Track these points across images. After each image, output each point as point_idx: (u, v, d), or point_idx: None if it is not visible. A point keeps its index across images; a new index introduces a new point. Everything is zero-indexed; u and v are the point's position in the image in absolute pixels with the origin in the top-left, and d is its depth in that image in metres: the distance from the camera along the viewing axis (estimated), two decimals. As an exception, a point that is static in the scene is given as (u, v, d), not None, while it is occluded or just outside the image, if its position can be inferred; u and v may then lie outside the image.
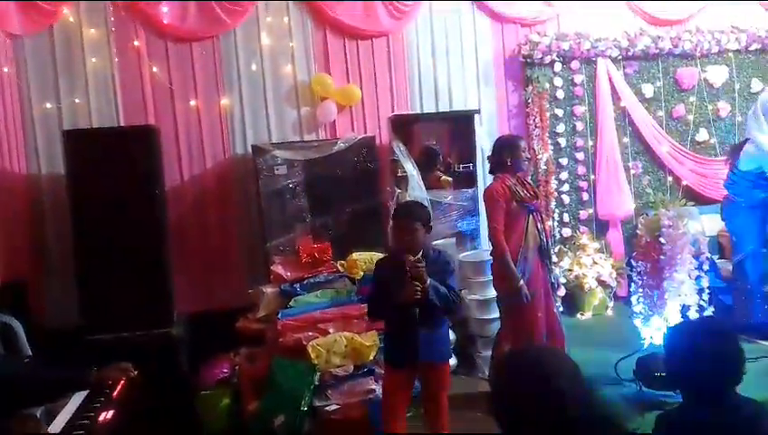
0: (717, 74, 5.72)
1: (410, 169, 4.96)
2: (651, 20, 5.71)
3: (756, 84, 5.74)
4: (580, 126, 5.58)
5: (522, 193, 3.88)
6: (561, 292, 5.23)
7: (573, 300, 5.28)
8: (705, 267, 4.30)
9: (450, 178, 5.26)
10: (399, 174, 4.97)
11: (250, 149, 5.01)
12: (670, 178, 5.70)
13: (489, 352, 4.59)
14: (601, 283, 5.26)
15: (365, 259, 4.44)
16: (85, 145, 4.32)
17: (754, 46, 5.72)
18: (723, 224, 4.80)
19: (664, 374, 3.16)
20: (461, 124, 5.23)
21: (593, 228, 5.60)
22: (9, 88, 4.72)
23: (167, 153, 4.91)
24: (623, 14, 5.67)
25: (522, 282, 3.78)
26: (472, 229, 5.08)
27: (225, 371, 4.32)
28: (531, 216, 3.89)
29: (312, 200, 4.93)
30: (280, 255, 4.75)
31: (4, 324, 3.24)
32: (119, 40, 4.99)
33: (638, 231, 4.48)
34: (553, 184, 5.50)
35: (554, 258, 5.24)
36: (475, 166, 5.14)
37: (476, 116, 5.24)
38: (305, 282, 4.44)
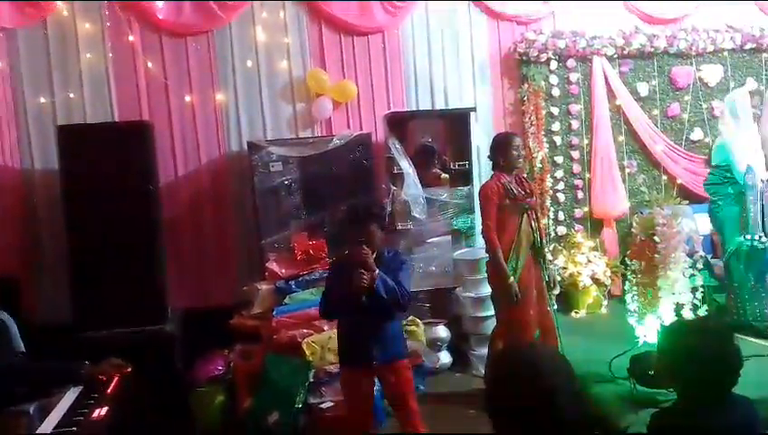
0: (712, 73, 5.74)
1: (406, 166, 4.96)
2: (646, 18, 5.72)
3: (751, 83, 5.76)
4: (575, 124, 5.59)
5: (515, 191, 3.89)
6: (557, 290, 5.25)
7: (568, 298, 5.29)
8: (699, 266, 4.32)
9: (447, 176, 5.26)
10: (395, 171, 4.97)
11: (245, 146, 4.99)
12: (665, 177, 5.72)
13: (483, 350, 4.61)
14: (596, 281, 5.27)
15: (360, 256, 4.43)
16: (79, 141, 4.30)
17: (749, 45, 5.74)
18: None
19: (657, 372, 3.17)
20: (457, 122, 5.23)
21: (588, 227, 5.61)
22: (2, 82, 4.70)
23: (161, 149, 4.88)
24: (619, 12, 5.68)
25: (511, 279, 3.81)
26: (467, 227, 5.09)
27: (220, 368, 4.32)
28: (525, 214, 3.89)
29: (307, 197, 4.93)
30: (275, 252, 4.74)
31: (-4, 320, 3.22)
32: (113, 35, 4.96)
33: (632, 229, 4.50)
34: (548, 182, 5.51)
35: (549, 256, 5.27)
36: (470, 164, 5.14)
37: (472, 114, 5.24)
38: (300, 279, 4.44)
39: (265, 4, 5.17)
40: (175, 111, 5.08)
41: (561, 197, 5.59)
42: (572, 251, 5.37)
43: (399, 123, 5.18)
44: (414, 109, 5.41)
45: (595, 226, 5.62)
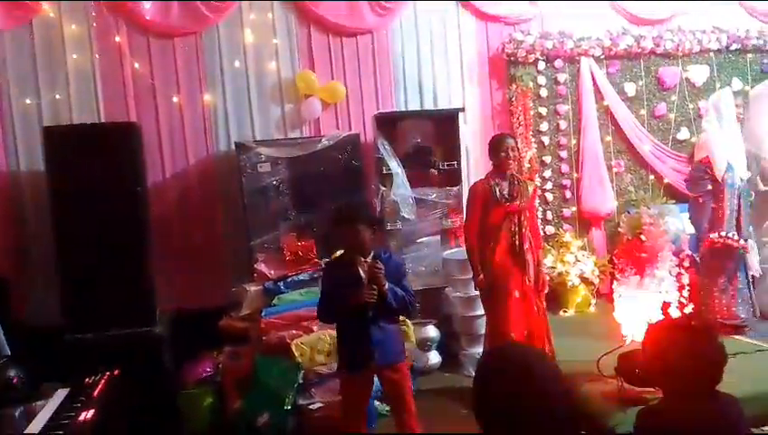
0: (699, 74, 5.79)
1: (395, 166, 4.97)
2: (633, 19, 5.76)
3: (737, 83, 5.82)
4: (563, 124, 5.62)
5: (499, 194, 3.91)
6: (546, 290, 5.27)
7: (556, 297, 5.31)
8: (686, 264, 4.35)
9: (434, 175, 5.26)
10: (384, 172, 4.98)
11: (233, 147, 4.97)
12: (652, 177, 5.76)
13: (473, 350, 4.63)
14: (584, 280, 5.30)
15: (349, 257, 4.43)
16: (66, 142, 4.26)
17: (735, 46, 5.80)
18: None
19: (644, 371, 3.19)
20: (445, 122, 5.24)
21: (576, 226, 5.64)
22: (-12, 83, 4.65)
23: (148, 150, 4.85)
24: (606, 13, 5.72)
25: (480, 277, 3.93)
26: (456, 227, 5.10)
27: (209, 369, 4.30)
28: (508, 217, 3.91)
29: (296, 198, 4.92)
30: (264, 252, 4.73)
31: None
32: (100, 35, 4.92)
33: (620, 229, 4.53)
34: (537, 182, 5.53)
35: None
36: (459, 164, 5.15)
37: (461, 114, 5.25)
38: (289, 280, 4.43)
39: (253, 4, 5.16)
40: (162, 111, 5.04)
41: (550, 196, 5.62)
42: (561, 250, 5.40)
43: (388, 124, 5.18)
44: (403, 109, 5.41)
45: (583, 225, 5.65)
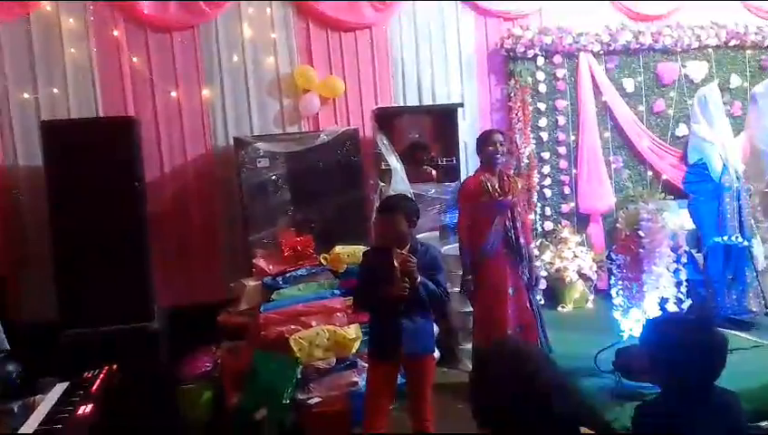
0: (697, 70, 5.79)
1: (394, 162, 4.96)
2: (632, 15, 5.75)
3: (735, 80, 5.83)
4: (562, 120, 5.62)
5: (491, 190, 3.91)
6: (542, 286, 5.28)
7: (554, 293, 5.32)
8: (684, 260, 4.36)
9: (432, 171, 5.27)
10: (383, 167, 4.97)
11: (232, 142, 4.97)
12: (650, 173, 5.77)
13: (470, 345, 4.62)
14: (582, 276, 5.31)
15: (348, 253, 4.44)
16: (63, 136, 4.25)
17: (733, 42, 5.80)
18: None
19: (642, 366, 3.20)
20: (444, 118, 5.24)
21: (574, 222, 5.65)
22: (-15, 77, 4.64)
23: (146, 145, 4.84)
24: (605, 9, 5.71)
25: (469, 276, 3.92)
26: (455, 223, 5.08)
27: (207, 364, 4.30)
28: (500, 213, 3.91)
29: (294, 193, 4.91)
30: (262, 248, 4.72)
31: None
32: (98, 29, 4.91)
33: (617, 225, 4.53)
34: (535, 178, 5.54)
35: (536, 253, 5.29)
36: (458, 159, 5.16)
37: (459, 110, 5.25)
38: (288, 275, 4.42)
39: (252, -1, 5.15)
40: (160, 106, 5.04)
41: (548, 192, 5.62)
42: (559, 246, 5.41)
43: (387, 119, 5.17)
44: (401, 104, 5.41)
45: (581, 221, 5.66)
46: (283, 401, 3.75)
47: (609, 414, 3.31)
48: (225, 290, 4.63)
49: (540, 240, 5.46)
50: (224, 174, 5.08)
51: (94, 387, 2.52)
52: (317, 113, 5.27)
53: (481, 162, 4.06)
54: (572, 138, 5.64)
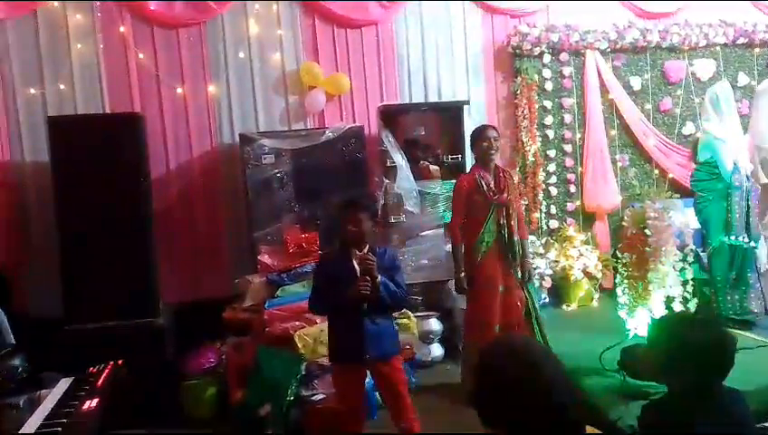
0: (705, 68, 5.76)
1: (399, 159, 4.96)
2: (640, 13, 5.72)
3: (743, 78, 5.79)
4: (568, 118, 5.60)
5: (485, 187, 3.89)
6: (548, 283, 5.27)
7: (559, 291, 5.31)
8: (690, 259, 4.34)
9: (437, 168, 5.25)
10: (388, 164, 4.97)
11: (237, 138, 4.97)
12: (656, 171, 5.75)
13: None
14: (587, 274, 5.29)
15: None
16: (70, 132, 4.26)
17: (741, 40, 5.76)
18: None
19: (648, 365, 3.19)
20: (450, 115, 5.22)
21: (580, 220, 5.63)
22: (-8, 73, 4.65)
23: (152, 141, 4.84)
24: (612, 6, 5.69)
25: (462, 274, 3.91)
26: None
27: (212, 360, 4.31)
28: (494, 210, 3.90)
29: (299, 190, 4.91)
30: (267, 244, 4.72)
31: (-14, 313, 3.21)
32: (104, 26, 4.92)
33: (623, 223, 4.51)
34: (541, 176, 5.52)
35: (542, 250, 5.28)
36: (463, 157, 5.14)
37: (465, 107, 5.24)
38: (292, 272, 4.42)
39: (258, -4, 5.15)
40: (166, 102, 5.05)
41: (554, 190, 5.60)
42: (564, 244, 5.39)
43: (392, 116, 5.16)
44: (407, 102, 5.40)
45: (587, 219, 5.64)
46: (287, 398, 3.76)
47: (613, 413, 3.29)
48: (229, 286, 4.64)
49: (545, 238, 5.45)
50: (229, 170, 5.09)
51: (99, 382, 2.53)
52: (322, 110, 5.27)
53: (475, 159, 4.04)
54: (578, 136, 5.62)
